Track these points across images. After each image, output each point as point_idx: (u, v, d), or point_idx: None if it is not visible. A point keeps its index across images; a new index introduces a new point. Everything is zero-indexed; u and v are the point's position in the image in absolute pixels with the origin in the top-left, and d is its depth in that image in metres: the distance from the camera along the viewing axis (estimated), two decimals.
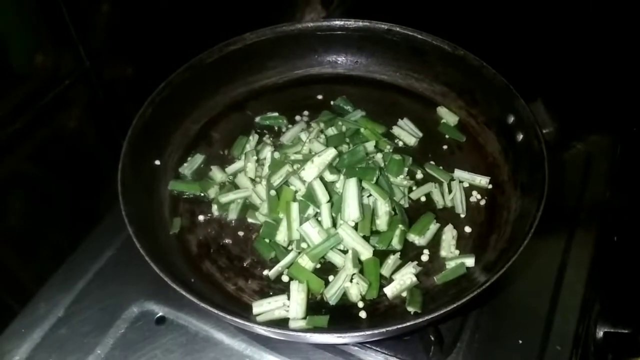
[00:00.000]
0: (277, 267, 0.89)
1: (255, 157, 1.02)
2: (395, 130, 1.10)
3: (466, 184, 1.02)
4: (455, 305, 0.75)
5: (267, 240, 0.93)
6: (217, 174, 1.03)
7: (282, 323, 0.82)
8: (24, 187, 1.04)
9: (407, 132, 1.09)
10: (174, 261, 0.90)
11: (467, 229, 0.96)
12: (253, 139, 1.07)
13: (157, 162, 1.03)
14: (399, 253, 0.92)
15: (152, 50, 1.21)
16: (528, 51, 1.31)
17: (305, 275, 0.87)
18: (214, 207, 0.99)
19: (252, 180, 1.01)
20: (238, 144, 1.07)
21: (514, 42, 1.32)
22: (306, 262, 0.88)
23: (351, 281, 0.87)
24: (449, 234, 0.94)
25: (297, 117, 1.14)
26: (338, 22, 1.16)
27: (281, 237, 0.92)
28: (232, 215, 0.98)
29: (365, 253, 0.89)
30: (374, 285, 0.87)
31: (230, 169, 1.04)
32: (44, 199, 1.09)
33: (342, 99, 1.15)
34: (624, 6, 1.23)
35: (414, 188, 1.01)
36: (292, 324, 0.82)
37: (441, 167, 1.04)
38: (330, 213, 0.91)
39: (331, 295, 0.86)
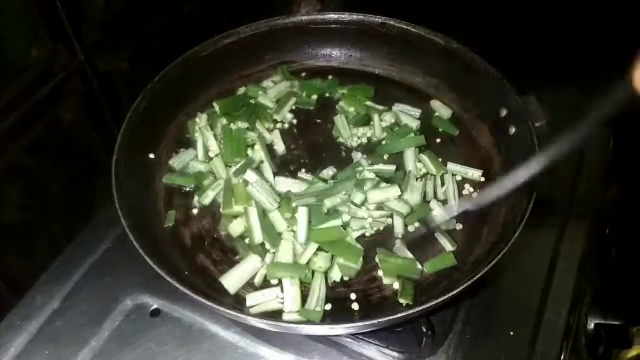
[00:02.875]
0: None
1: (211, 132, 1.04)
2: (397, 114, 1.10)
3: (459, 177, 1.02)
4: (446, 297, 0.75)
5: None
6: (197, 165, 1.03)
7: (275, 315, 0.83)
8: (20, 181, 1.04)
9: (407, 115, 1.09)
10: (169, 254, 0.91)
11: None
12: (201, 120, 1.08)
13: (152, 156, 1.03)
14: None
15: (147, 44, 1.21)
16: (522, 45, 1.31)
17: (294, 269, 0.86)
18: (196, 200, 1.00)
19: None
20: (191, 128, 1.08)
21: (507, 35, 1.33)
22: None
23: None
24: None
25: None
26: (332, 16, 1.16)
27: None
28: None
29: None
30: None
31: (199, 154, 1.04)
32: (39, 192, 1.09)
33: (331, 80, 1.18)
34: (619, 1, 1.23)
35: None
36: (285, 316, 0.83)
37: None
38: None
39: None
